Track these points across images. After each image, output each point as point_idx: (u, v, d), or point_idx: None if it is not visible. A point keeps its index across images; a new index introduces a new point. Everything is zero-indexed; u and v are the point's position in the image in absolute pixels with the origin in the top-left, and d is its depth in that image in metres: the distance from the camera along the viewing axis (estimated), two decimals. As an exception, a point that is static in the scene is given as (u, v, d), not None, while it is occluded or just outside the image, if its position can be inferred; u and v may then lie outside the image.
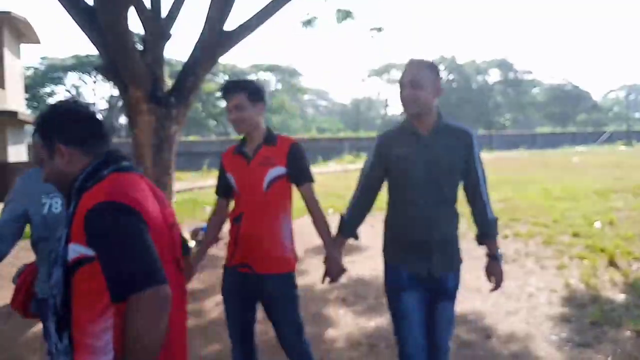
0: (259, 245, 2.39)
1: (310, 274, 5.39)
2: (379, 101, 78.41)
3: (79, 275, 1.29)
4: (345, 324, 3.99)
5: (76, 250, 1.28)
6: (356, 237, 2.49)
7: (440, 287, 2.28)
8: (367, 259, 5.86)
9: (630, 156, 21.56)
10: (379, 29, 10.02)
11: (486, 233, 2.36)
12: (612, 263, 5.23)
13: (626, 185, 11.02)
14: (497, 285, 2.39)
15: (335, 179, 15.24)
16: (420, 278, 2.24)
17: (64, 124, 1.45)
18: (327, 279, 2.52)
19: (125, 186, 1.36)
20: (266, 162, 2.40)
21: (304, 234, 7.32)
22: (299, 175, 2.46)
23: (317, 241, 7.01)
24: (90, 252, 1.26)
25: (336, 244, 2.46)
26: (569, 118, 57.80)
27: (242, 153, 2.47)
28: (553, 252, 5.83)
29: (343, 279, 5.07)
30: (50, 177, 1.48)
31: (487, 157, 24.43)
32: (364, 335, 3.74)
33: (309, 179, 2.48)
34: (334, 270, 2.47)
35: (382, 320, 4.00)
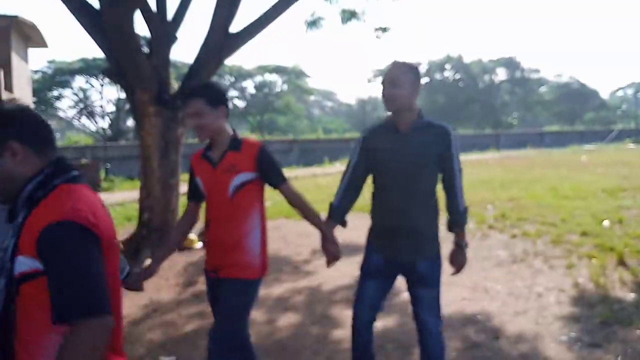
0: (224, 251, 2.39)
1: (317, 275, 5.38)
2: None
3: (27, 289, 1.22)
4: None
5: (26, 263, 1.22)
6: (344, 225, 2.69)
7: (413, 274, 2.50)
8: (374, 260, 5.83)
9: (639, 154, 21.36)
10: (384, 29, 9.98)
11: (454, 221, 2.54)
12: (621, 262, 5.17)
13: (635, 184, 10.91)
14: (458, 271, 2.58)
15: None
16: (390, 263, 2.51)
17: (20, 121, 1.33)
18: (332, 263, 2.66)
19: (80, 202, 1.29)
20: (231, 169, 2.37)
21: (310, 235, 7.33)
22: (273, 177, 2.47)
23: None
24: (42, 267, 1.22)
25: (329, 227, 2.63)
26: (576, 116, 57.37)
27: (208, 158, 2.44)
28: (561, 251, 5.78)
29: (349, 280, 5.09)
30: None
31: (495, 157, 24.32)
32: (372, 336, 3.72)
33: (283, 178, 2.50)
34: (333, 249, 2.59)
35: (390, 321, 3.99)
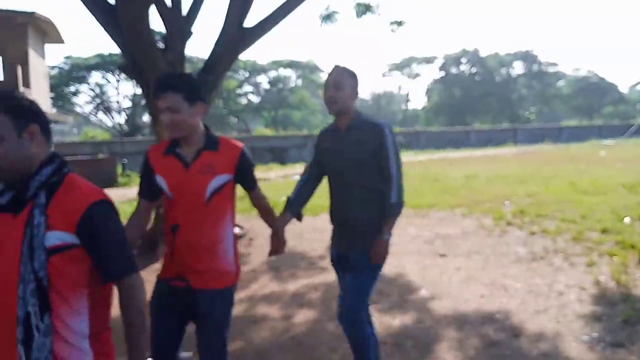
0: (198, 258, 2.18)
1: (332, 271, 5.32)
2: (399, 95, 77.87)
3: (55, 260, 1.40)
4: (369, 321, 3.94)
5: (59, 237, 1.40)
6: (299, 218, 2.83)
7: (347, 264, 2.66)
8: (390, 255, 5.75)
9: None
10: (400, 23, 9.86)
11: (384, 210, 2.60)
12: (643, 260, 5.05)
13: (657, 179, 10.68)
14: (374, 260, 2.61)
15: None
16: (340, 255, 2.74)
17: (38, 108, 1.48)
18: (273, 254, 2.71)
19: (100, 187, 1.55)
20: (208, 170, 2.18)
21: (325, 230, 7.31)
22: (249, 181, 2.37)
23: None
24: (75, 240, 1.42)
25: (282, 220, 2.72)
26: (594, 111, 56.37)
27: (178, 156, 2.21)
28: (582, 248, 5.67)
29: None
30: (5, 159, 1.40)
31: (512, 151, 24.04)
32: (389, 334, 3.69)
33: (257, 182, 2.44)
34: (277, 245, 2.67)
35: (407, 319, 3.95)
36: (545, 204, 8.30)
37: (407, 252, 5.93)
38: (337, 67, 2.63)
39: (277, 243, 2.68)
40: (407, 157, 22.40)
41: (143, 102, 31.78)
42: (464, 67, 56.70)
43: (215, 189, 2.19)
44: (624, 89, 62.46)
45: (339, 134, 2.64)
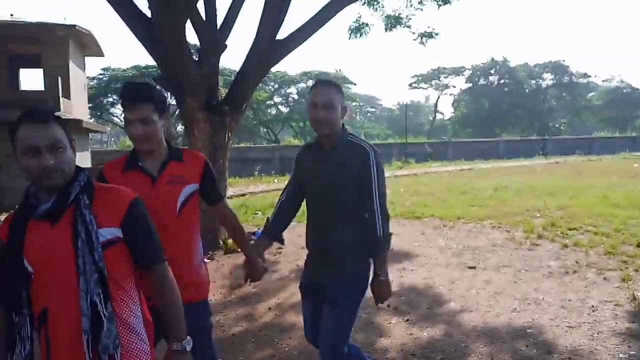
0: (177, 274, 2.05)
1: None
2: (427, 106, 77.32)
3: (110, 254, 1.55)
4: (398, 333, 3.93)
5: (111, 233, 1.56)
6: (281, 242, 2.70)
7: (324, 293, 2.41)
8: (418, 267, 5.77)
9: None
10: (430, 35, 9.86)
11: (373, 250, 2.39)
12: (682, 276, 4.90)
13: (696, 193, 10.32)
14: (378, 301, 2.48)
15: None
16: (313, 284, 2.50)
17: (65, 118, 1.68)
18: (249, 281, 2.59)
19: None
20: (177, 180, 2.13)
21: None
22: (213, 193, 2.31)
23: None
24: (121, 234, 1.58)
25: (260, 247, 2.61)
26: (627, 122, 54.76)
27: (143, 170, 2.12)
28: (616, 263, 5.52)
29: (395, 287, 5.04)
30: (69, 165, 1.55)
31: (542, 163, 23.56)
32: (418, 346, 3.66)
33: (221, 195, 2.39)
34: (255, 273, 2.53)
35: (435, 331, 3.92)
36: (577, 217, 8.12)
37: (435, 263, 5.89)
38: (323, 84, 2.42)
39: (254, 272, 2.51)
40: (435, 168, 22.22)
41: (177, 112, 32.51)
42: (493, 78, 55.99)
43: (186, 198, 2.14)
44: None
45: (322, 153, 2.43)
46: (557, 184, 13.46)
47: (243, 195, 13.55)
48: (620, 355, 3.37)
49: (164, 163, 2.14)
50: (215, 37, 6.61)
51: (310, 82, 48.64)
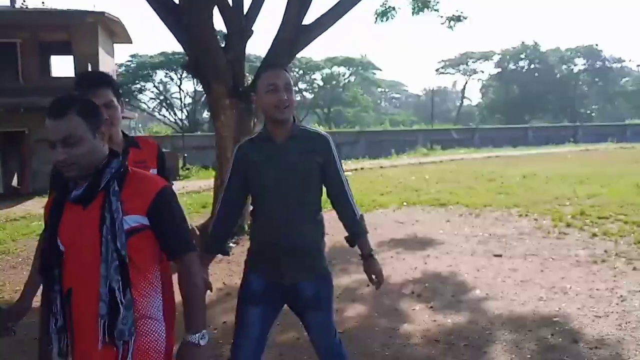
0: None
1: (384, 267, 5.29)
2: (454, 92, 76.09)
3: (134, 241, 1.57)
4: (422, 320, 3.95)
5: (136, 220, 1.57)
6: (226, 253, 2.44)
7: (298, 297, 2.23)
8: (443, 255, 5.76)
9: None
10: (458, 18, 9.66)
11: (356, 232, 2.32)
12: None
13: None
14: (379, 283, 2.34)
15: (409, 172, 15.02)
16: (273, 288, 2.23)
17: (100, 110, 1.66)
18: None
19: None
20: (139, 166, 2.09)
21: (378, 226, 7.34)
22: (167, 177, 2.29)
23: (392, 234, 6.97)
24: (147, 222, 1.59)
25: (202, 261, 2.19)
26: (662, 108, 52.79)
27: None
28: (648, 253, 5.41)
29: (418, 274, 5.05)
30: (86, 157, 1.55)
31: (573, 150, 23.00)
32: (442, 333, 3.68)
33: (171, 181, 2.35)
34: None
35: (460, 318, 3.93)
36: (607, 206, 7.94)
37: (461, 251, 5.86)
38: (276, 66, 2.29)
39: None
40: (461, 155, 21.93)
41: (203, 99, 32.80)
42: (523, 63, 54.62)
43: None
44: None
45: (274, 145, 2.23)
46: (588, 172, 13.16)
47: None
48: (649, 346, 3.32)
49: (125, 151, 2.15)
50: (241, 23, 6.63)
51: (335, 68, 48.49)
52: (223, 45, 6.56)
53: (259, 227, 2.29)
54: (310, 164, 2.22)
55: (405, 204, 9.12)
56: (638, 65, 59.04)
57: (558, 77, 53.38)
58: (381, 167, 17.26)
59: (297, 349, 3.52)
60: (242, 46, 6.65)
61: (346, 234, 2.36)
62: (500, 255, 5.59)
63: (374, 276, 2.33)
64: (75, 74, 15.46)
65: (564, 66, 54.71)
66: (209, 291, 2.09)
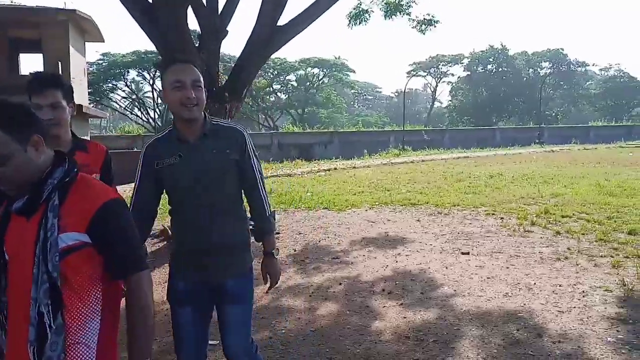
0: None
1: (356, 265, 5.45)
2: (425, 94, 77.20)
3: (72, 260, 1.44)
4: (392, 317, 4.02)
5: (74, 238, 1.43)
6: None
7: (221, 293, 2.22)
8: (413, 253, 5.86)
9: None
10: (430, 22, 9.82)
11: (262, 229, 2.33)
12: (671, 263, 4.99)
13: (689, 183, 10.43)
14: (273, 283, 2.35)
15: (381, 172, 15.18)
16: (200, 288, 2.20)
17: (35, 115, 1.50)
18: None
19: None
20: (82, 170, 2.08)
21: (351, 225, 7.41)
22: (110, 183, 2.34)
23: (364, 234, 7.06)
24: (87, 239, 1.45)
25: None
26: (624, 111, 54.90)
27: None
28: (607, 249, 5.62)
29: (389, 272, 5.14)
30: (19, 173, 1.42)
31: (538, 151, 23.64)
32: (411, 329, 3.76)
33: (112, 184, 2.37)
34: None
35: (429, 314, 4.02)
36: (570, 205, 8.22)
37: (430, 249, 5.98)
38: (183, 61, 2.18)
39: None
40: (432, 156, 22.27)
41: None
42: (491, 67, 55.95)
43: None
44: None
45: (186, 144, 2.15)
46: (552, 172, 13.56)
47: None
48: (609, 339, 3.46)
49: (70, 152, 2.12)
50: (216, 23, 6.59)
51: (309, 70, 48.55)
52: (197, 44, 6.50)
53: (178, 228, 2.24)
54: (225, 162, 2.17)
55: (377, 203, 9.22)
56: (601, 69, 61.15)
57: (525, 80, 54.88)
58: (354, 168, 17.38)
59: (270, 349, 3.54)
60: (217, 46, 6.60)
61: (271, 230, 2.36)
62: (467, 253, 5.73)
63: (268, 275, 2.32)
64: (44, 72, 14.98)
65: (531, 69, 56.32)
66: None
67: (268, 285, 2.37)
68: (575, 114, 59.40)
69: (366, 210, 8.61)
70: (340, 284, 4.89)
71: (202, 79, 2.14)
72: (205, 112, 2.20)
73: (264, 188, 2.31)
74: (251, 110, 45.56)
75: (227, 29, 6.78)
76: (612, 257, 5.33)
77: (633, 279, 4.58)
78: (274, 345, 3.59)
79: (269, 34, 6.51)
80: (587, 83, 58.56)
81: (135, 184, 2.22)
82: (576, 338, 3.50)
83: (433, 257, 5.63)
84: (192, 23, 6.68)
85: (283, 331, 3.83)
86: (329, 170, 16.44)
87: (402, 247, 6.16)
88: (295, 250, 6.21)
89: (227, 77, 6.85)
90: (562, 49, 55.53)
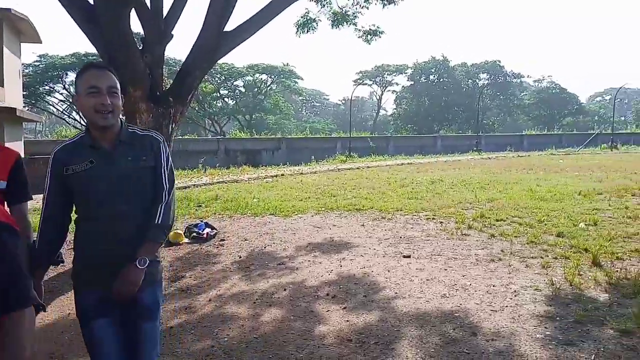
0: None
1: (302, 270, 5.48)
2: (371, 102, 78.72)
3: None
4: (335, 320, 4.07)
5: None
6: (57, 263, 2.27)
7: (138, 306, 2.11)
8: (357, 257, 5.97)
9: (615, 159, 21.90)
10: (375, 32, 10.07)
11: (147, 236, 2.13)
12: (595, 263, 5.34)
13: (610, 187, 11.25)
14: (119, 293, 2.06)
15: (328, 178, 15.33)
16: (110, 299, 2.08)
17: None
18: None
19: None
20: None
21: (297, 231, 7.44)
22: (19, 191, 2.19)
23: (310, 239, 7.11)
24: None
25: (36, 275, 2.09)
26: (555, 121, 58.45)
27: None
28: (538, 251, 5.96)
29: (333, 276, 5.21)
30: None
31: (476, 159, 24.67)
32: (354, 332, 3.82)
33: (28, 196, 2.25)
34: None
35: (371, 317, 4.10)
36: (504, 209, 8.64)
37: (374, 254, 6.11)
38: (100, 67, 2.11)
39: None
40: (377, 163, 22.74)
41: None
42: (433, 77, 58.02)
43: None
44: (583, 100, 65.22)
45: (100, 152, 2.08)
46: (488, 178, 14.20)
47: (186, 187, 13.32)
48: (537, 336, 3.66)
49: None
50: (160, 26, 6.46)
51: (257, 76, 48.31)
52: (140, 47, 6.35)
53: (87, 239, 2.13)
54: (143, 170, 2.13)
55: (323, 209, 9.31)
56: (535, 81, 64.81)
57: (464, 90, 57.22)
58: (301, 174, 17.44)
59: (212, 358, 3.50)
60: (161, 50, 6.47)
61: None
62: (409, 256, 5.91)
63: (120, 280, 2.06)
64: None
65: (470, 80, 58.81)
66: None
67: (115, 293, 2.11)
68: (511, 123, 62.57)
69: (312, 216, 8.67)
70: (285, 289, 4.90)
71: (118, 85, 2.07)
72: (120, 119, 2.13)
73: (168, 197, 2.18)
74: (197, 116, 44.75)
75: (172, 32, 6.67)
76: (542, 258, 5.66)
77: (560, 279, 4.88)
78: (216, 353, 3.55)
79: (215, 39, 6.46)
80: (522, 94, 61.83)
81: (44, 193, 2.11)
82: (508, 335, 3.68)
83: (376, 261, 5.76)
84: (137, 26, 6.53)
85: (226, 339, 3.79)
86: (276, 176, 16.42)
87: (347, 251, 6.25)
88: (240, 257, 6.16)
89: (172, 81, 6.72)
90: (499, 61, 58.41)
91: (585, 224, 7.28)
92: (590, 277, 4.91)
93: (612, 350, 3.38)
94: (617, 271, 5.06)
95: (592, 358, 3.29)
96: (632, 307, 4.06)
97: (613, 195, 10.03)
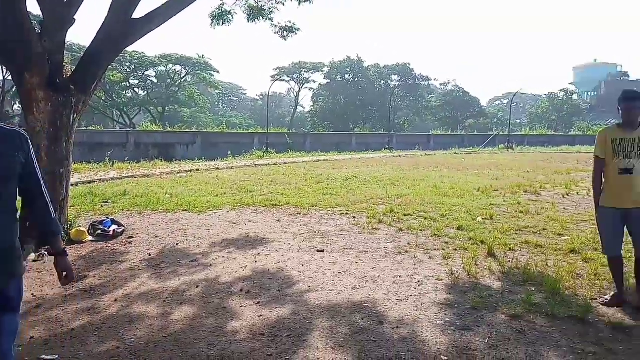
0: None
1: (215, 267, 5.43)
2: (289, 99, 78.91)
3: None
4: (249, 316, 4.09)
5: None
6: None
7: (2, 299, 2.17)
8: (272, 252, 6.01)
9: (510, 158, 23.88)
10: (291, 29, 10.13)
11: (52, 231, 2.38)
12: (490, 254, 5.81)
13: (505, 184, 12.26)
14: (71, 278, 2.42)
15: (245, 174, 15.19)
16: None
17: None
18: None
19: None
20: None
21: (210, 227, 7.33)
22: None
23: (225, 235, 7.03)
24: None
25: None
26: (458, 122, 62.50)
27: None
28: (440, 243, 6.37)
29: (247, 272, 5.21)
30: None
31: (387, 156, 25.69)
32: (267, 326, 3.87)
33: None
34: None
35: (284, 311, 4.17)
36: (412, 205, 9.12)
37: (288, 248, 6.19)
38: None
39: None
40: (294, 159, 22.89)
41: (14, 89, 28.62)
42: (348, 76, 59.51)
43: None
44: (484, 103, 70.32)
45: None
46: (398, 175, 14.86)
47: (91, 182, 12.53)
48: (438, 322, 3.94)
49: None
50: (60, 10, 6.03)
51: (171, 66, 46.53)
52: (39, 31, 5.88)
53: None
54: (13, 164, 2.16)
55: (239, 205, 9.23)
56: (441, 84, 68.70)
57: (377, 90, 59.37)
58: (217, 169, 17.12)
59: None
60: (62, 35, 6.04)
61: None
62: (322, 251, 6.06)
63: (64, 273, 2.39)
64: None
65: (382, 81, 61.16)
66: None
67: (65, 281, 2.43)
68: (419, 123, 65.96)
69: (228, 212, 8.58)
70: (197, 286, 4.82)
71: None
72: None
73: (48, 191, 2.35)
74: (105, 106, 42.27)
75: (74, 17, 6.25)
76: (444, 250, 6.06)
77: (459, 269, 5.27)
78: (121, 355, 3.42)
79: (123, 25, 6.17)
80: (429, 96, 65.38)
81: None
82: (411, 323, 3.92)
83: (291, 256, 5.85)
84: (35, 8, 6.04)
85: (133, 340, 3.66)
86: (190, 171, 15.97)
87: (262, 247, 6.28)
88: (150, 255, 5.96)
89: (74, 69, 6.31)
90: (409, 64, 61.28)
91: (482, 218, 7.89)
92: (485, 267, 5.34)
93: (504, 334, 3.72)
94: (509, 261, 5.55)
95: (486, 341, 3.59)
96: (521, 294, 4.49)
97: (507, 192, 10.93)
